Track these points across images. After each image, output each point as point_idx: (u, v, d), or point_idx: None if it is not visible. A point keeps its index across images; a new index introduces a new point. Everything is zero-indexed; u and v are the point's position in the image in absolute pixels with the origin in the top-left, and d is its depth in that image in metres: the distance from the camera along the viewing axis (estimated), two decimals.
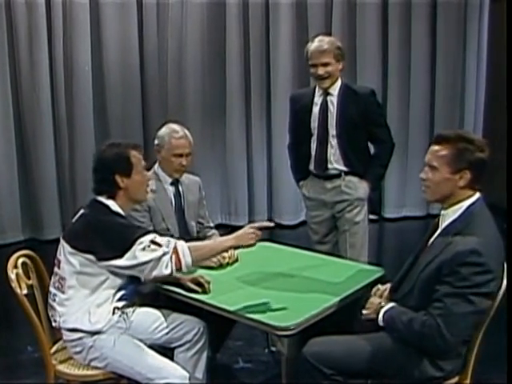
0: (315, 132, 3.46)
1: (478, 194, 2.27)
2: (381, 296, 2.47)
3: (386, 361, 2.26)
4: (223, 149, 6.17)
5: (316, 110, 3.46)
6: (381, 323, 2.29)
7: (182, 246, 2.45)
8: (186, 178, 3.27)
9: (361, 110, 3.38)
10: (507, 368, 2.41)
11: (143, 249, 2.39)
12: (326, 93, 3.43)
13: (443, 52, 6.20)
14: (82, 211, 2.57)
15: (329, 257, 3.23)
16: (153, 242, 2.42)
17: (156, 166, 3.20)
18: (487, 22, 6.33)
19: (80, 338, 2.48)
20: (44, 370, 2.53)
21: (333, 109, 3.42)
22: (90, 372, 2.49)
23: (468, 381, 2.32)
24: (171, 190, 3.19)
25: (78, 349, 2.50)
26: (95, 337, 2.47)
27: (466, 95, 6.38)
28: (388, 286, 2.54)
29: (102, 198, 2.55)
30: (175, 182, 3.20)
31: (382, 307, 2.31)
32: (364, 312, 2.37)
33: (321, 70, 3.34)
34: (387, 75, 6.19)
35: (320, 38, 3.42)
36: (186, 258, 2.44)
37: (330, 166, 3.46)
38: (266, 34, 5.99)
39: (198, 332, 2.68)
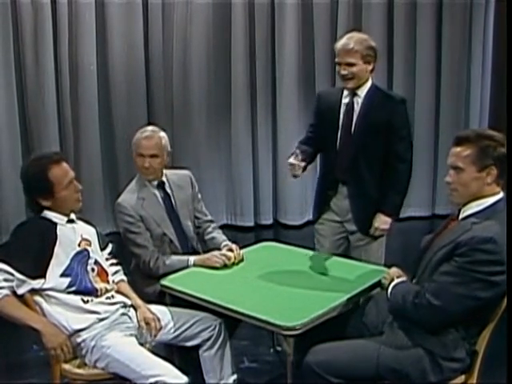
0: (339, 133, 3.22)
1: (502, 193, 2.26)
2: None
3: (391, 364, 2.25)
4: (229, 149, 6.16)
5: (343, 110, 3.21)
6: (389, 296, 2.34)
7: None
8: (173, 174, 3.18)
9: (386, 115, 3.12)
10: (507, 368, 2.40)
11: None
12: (354, 93, 3.18)
13: (448, 52, 6.17)
14: None
15: (334, 257, 3.22)
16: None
17: None
18: (492, 22, 6.30)
19: (83, 341, 2.47)
20: (49, 369, 2.52)
21: (358, 110, 3.18)
22: (95, 371, 2.48)
23: (474, 381, 2.31)
24: (158, 193, 3.10)
25: (83, 352, 2.50)
26: (97, 337, 2.47)
27: (471, 95, 6.35)
28: None
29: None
30: (161, 184, 3.11)
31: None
32: (382, 281, 2.46)
33: (344, 70, 3.09)
34: (392, 75, 6.17)
35: (349, 35, 3.13)
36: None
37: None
38: (271, 34, 5.98)
39: (215, 329, 2.71)
